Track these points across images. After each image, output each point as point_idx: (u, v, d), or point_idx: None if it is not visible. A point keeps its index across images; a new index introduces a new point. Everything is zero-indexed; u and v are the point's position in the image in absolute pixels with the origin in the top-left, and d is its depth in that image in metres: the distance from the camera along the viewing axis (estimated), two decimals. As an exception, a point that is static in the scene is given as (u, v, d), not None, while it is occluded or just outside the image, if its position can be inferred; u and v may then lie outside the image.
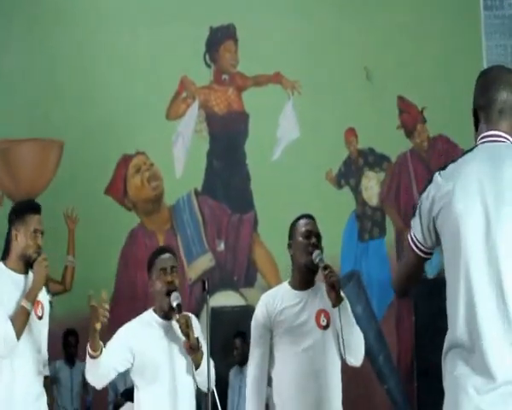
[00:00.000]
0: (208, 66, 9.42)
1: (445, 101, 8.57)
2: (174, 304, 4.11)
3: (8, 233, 4.31)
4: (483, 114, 2.75)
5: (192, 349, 4.07)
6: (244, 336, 7.56)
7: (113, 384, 7.82)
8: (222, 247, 8.88)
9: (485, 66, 8.67)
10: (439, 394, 6.35)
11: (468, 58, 8.69)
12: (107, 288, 8.79)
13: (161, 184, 9.20)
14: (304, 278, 4.25)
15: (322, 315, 4.15)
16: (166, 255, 4.30)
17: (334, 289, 4.03)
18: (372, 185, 8.69)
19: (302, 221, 4.30)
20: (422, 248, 2.72)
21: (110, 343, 4.21)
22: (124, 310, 8.72)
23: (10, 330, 4.06)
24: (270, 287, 8.58)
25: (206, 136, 9.28)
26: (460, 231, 2.54)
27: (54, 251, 8.58)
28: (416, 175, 8.61)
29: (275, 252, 8.68)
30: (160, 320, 4.22)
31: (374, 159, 8.73)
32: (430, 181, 2.65)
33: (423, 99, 8.72)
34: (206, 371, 4.08)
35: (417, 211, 2.68)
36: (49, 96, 9.55)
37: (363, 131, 8.76)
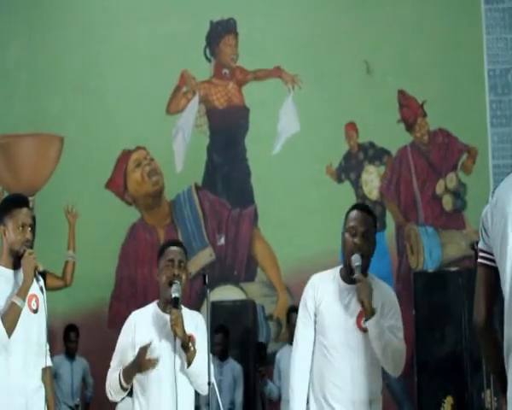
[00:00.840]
0: (208, 60, 9.41)
1: (446, 94, 8.56)
2: (172, 295, 4.10)
3: None
4: None
5: (182, 347, 4.07)
6: (226, 331, 7.58)
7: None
8: (222, 241, 8.88)
9: (485, 59, 8.66)
10: (439, 388, 6.37)
11: (468, 52, 8.68)
12: (108, 283, 8.87)
13: (161, 178, 9.20)
14: (348, 272, 4.00)
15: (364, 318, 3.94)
16: (177, 248, 4.30)
17: (362, 305, 3.87)
18: (372, 179, 8.68)
19: (352, 214, 4.03)
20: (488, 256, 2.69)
21: (115, 354, 4.23)
22: (124, 305, 8.75)
23: (0, 326, 4.06)
24: (270, 281, 8.72)
25: (207, 130, 9.27)
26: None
27: (54, 246, 8.67)
28: (416, 169, 8.60)
29: (275, 246, 8.68)
30: (161, 314, 4.22)
31: (374, 153, 8.72)
32: None
33: (423, 93, 8.70)
34: (197, 372, 4.09)
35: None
36: (49, 92, 9.55)
37: (364, 125, 8.74)
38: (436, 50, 8.71)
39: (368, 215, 4.06)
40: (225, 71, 9.37)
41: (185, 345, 4.05)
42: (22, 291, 4.15)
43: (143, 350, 4.05)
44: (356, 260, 3.87)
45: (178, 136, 9.26)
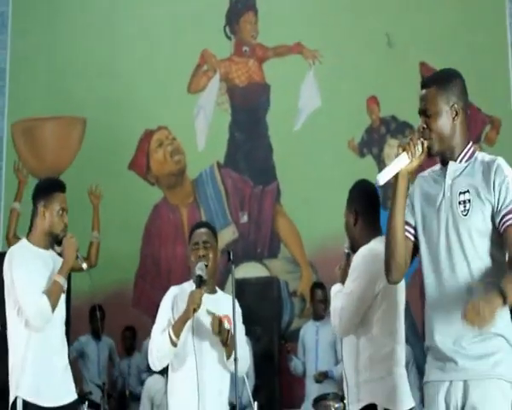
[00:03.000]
0: (229, 38, 9.39)
1: (468, 65, 8.41)
2: (196, 273, 4.15)
3: (34, 209, 4.35)
4: (467, 116, 3.10)
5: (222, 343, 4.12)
6: None
7: (145, 352, 7.89)
8: (245, 219, 8.89)
9: (508, 29, 8.54)
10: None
11: (491, 21, 8.56)
12: (132, 263, 8.93)
13: (184, 157, 9.21)
14: None
15: None
16: (201, 230, 4.37)
17: None
18: (395, 153, 8.62)
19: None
20: None
21: (160, 323, 4.22)
22: (148, 285, 8.80)
23: (46, 304, 4.13)
24: (293, 258, 8.71)
25: (228, 108, 9.26)
26: None
27: (79, 227, 8.70)
28: (438, 142, 8.54)
29: (298, 222, 8.66)
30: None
31: (396, 126, 8.65)
32: None
33: (446, 64, 8.53)
34: (239, 359, 4.12)
35: None
36: (71, 74, 9.59)
37: (385, 98, 8.67)
38: (457, 21, 8.60)
39: None
40: (245, 48, 9.35)
41: (223, 343, 4.10)
42: (64, 271, 4.26)
43: (196, 292, 4.09)
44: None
45: (200, 114, 9.27)
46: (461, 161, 3.12)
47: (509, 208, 2.93)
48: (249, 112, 9.19)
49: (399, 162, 3.12)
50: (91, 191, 9.12)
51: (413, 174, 3.20)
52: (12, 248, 4.41)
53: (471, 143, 3.13)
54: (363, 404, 3.89)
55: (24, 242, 4.38)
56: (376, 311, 3.92)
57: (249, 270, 8.53)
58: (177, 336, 4.07)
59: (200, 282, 4.14)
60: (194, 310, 4.08)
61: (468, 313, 2.68)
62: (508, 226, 2.90)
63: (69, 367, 4.37)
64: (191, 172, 9.16)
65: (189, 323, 4.12)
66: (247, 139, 9.11)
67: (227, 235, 8.79)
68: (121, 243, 8.87)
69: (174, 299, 4.25)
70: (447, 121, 3.08)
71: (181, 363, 4.16)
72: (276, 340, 8.03)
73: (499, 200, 2.96)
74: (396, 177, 3.18)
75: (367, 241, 4.03)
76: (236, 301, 4.29)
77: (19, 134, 9.69)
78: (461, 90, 3.14)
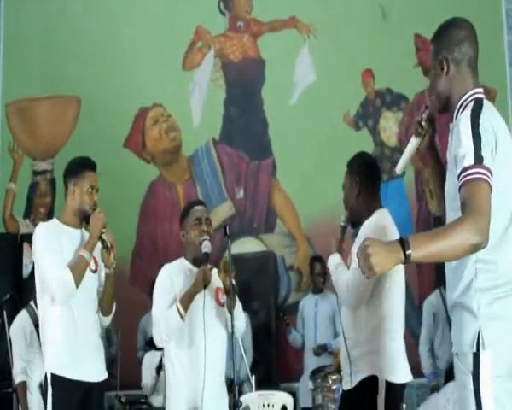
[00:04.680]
0: (223, 14, 9.35)
1: (462, 36, 8.43)
2: (203, 251, 4.16)
3: (65, 188, 4.38)
4: (466, 66, 2.88)
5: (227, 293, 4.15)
6: None
7: (142, 330, 7.92)
8: (241, 194, 8.88)
9: (503, 2, 8.50)
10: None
11: (485, -8, 8.53)
12: (129, 241, 8.93)
13: (179, 134, 9.20)
14: None
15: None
16: (202, 207, 4.40)
17: None
18: (390, 126, 8.61)
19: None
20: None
21: (162, 299, 4.23)
22: (145, 263, 8.81)
23: (69, 276, 4.15)
24: (290, 232, 8.72)
25: (223, 84, 9.23)
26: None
27: (74, 206, 8.71)
28: (434, 113, 8.51)
29: (294, 197, 8.66)
30: (192, 267, 4.26)
31: (391, 99, 8.63)
32: (478, 112, 2.70)
33: (440, 36, 8.57)
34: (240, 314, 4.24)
35: (480, 136, 2.63)
36: (65, 53, 9.56)
37: (380, 71, 8.64)
38: (452, -8, 8.56)
39: None
40: (240, 24, 9.30)
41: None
42: (89, 245, 4.28)
43: (206, 269, 4.13)
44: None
45: (195, 91, 9.24)
46: (456, 118, 2.85)
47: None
48: (244, 87, 9.17)
49: (411, 146, 3.08)
50: (87, 170, 9.12)
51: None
52: (38, 226, 4.40)
53: (467, 95, 2.85)
54: (363, 375, 3.93)
55: (53, 220, 4.41)
56: (383, 285, 3.93)
57: (246, 245, 8.54)
58: (186, 310, 4.10)
59: (206, 259, 4.17)
60: (205, 286, 4.10)
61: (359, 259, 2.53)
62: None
63: (102, 346, 4.40)
64: (187, 149, 9.14)
65: (195, 300, 4.14)
66: (243, 115, 9.08)
67: (223, 211, 8.80)
68: (117, 222, 8.78)
69: (170, 276, 4.26)
70: (439, 77, 2.91)
71: (186, 338, 4.17)
72: (274, 314, 8.06)
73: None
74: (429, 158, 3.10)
75: (369, 213, 4.04)
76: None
77: (13, 114, 9.67)
78: (452, 40, 2.90)
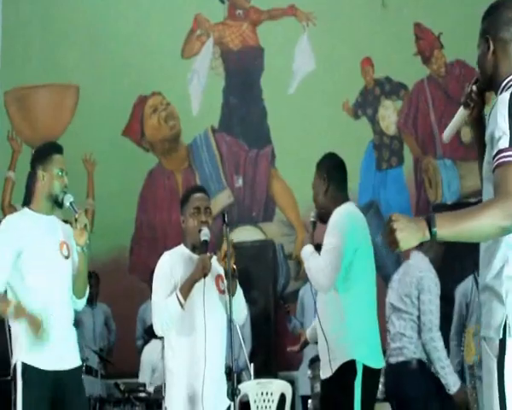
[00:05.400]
0: (222, 2, 9.34)
1: (462, 25, 8.39)
2: (202, 239, 4.14)
3: (33, 175, 4.32)
4: (509, 48, 2.78)
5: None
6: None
7: (141, 319, 7.94)
8: (240, 183, 8.88)
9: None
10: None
11: (484, -21, 8.49)
12: (128, 229, 8.94)
13: (178, 123, 9.19)
14: None
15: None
16: (202, 195, 4.36)
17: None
18: (389, 114, 8.59)
19: None
20: None
21: (162, 287, 4.21)
22: (144, 251, 8.81)
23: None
24: (288, 221, 8.72)
25: (222, 72, 9.22)
26: None
27: (73, 195, 8.72)
28: (433, 102, 8.48)
29: (293, 185, 8.65)
30: (192, 255, 4.26)
31: (391, 87, 8.61)
32: None
33: (440, 24, 8.54)
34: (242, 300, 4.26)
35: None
36: (64, 41, 9.55)
37: (379, 59, 8.62)
38: (451, -21, 8.54)
39: None
40: (239, 12, 9.28)
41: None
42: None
43: (206, 257, 4.12)
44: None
45: (194, 79, 9.23)
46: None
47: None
48: (243, 76, 9.15)
49: (458, 117, 3.04)
50: (86, 159, 9.15)
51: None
52: (6, 217, 4.38)
53: (510, 77, 2.77)
54: (342, 361, 4.03)
55: (24, 210, 4.35)
56: (358, 268, 4.09)
57: (245, 233, 8.55)
58: (185, 298, 4.08)
59: (205, 247, 4.16)
60: (205, 275, 4.10)
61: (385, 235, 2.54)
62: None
63: (74, 333, 4.36)
64: (186, 138, 9.14)
65: (195, 288, 4.14)
66: (242, 103, 9.07)
67: (222, 199, 8.80)
68: (117, 210, 8.88)
69: (170, 264, 4.25)
70: (484, 55, 2.84)
71: (187, 326, 4.16)
72: (272, 303, 8.07)
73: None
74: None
75: (338, 206, 4.21)
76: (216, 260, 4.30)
77: (12, 103, 9.66)
78: (500, 19, 2.80)
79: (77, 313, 7.84)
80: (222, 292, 4.25)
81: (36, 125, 9.55)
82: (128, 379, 7.29)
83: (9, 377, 4.16)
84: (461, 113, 3.05)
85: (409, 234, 2.48)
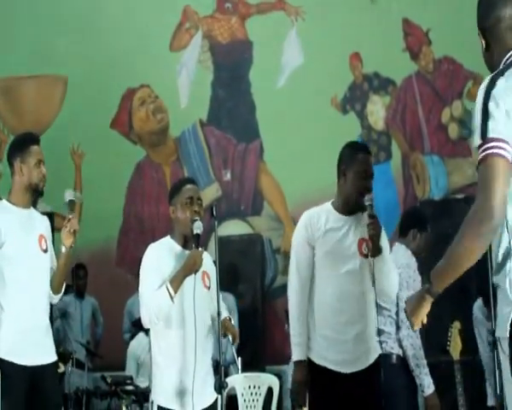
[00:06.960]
0: (211, -5, 9.33)
1: (450, 21, 8.42)
2: (194, 232, 4.09)
3: (10, 168, 4.30)
4: (496, 33, 2.64)
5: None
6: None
7: (128, 312, 7.93)
8: (228, 177, 8.89)
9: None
10: (446, 313, 6.39)
11: (473, -24, 8.51)
12: (115, 222, 8.93)
13: (166, 115, 9.18)
14: (350, 207, 4.32)
15: (364, 244, 4.23)
16: (193, 186, 4.32)
17: (372, 242, 4.15)
18: (377, 109, 8.62)
19: (361, 156, 4.30)
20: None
21: (151, 279, 4.17)
22: (131, 243, 8.81)
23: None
24: (276, 215, 8.73)
25: (210, 66, 9.22)
26: None
27: (60, 187, 8.70)
28: (421, 98, 8.51)
29: (281, 180, 8.67)
30: (179, 248, 4.22)
31: (379, 83, 8.63)
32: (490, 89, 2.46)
33: (428, 20, 8.57)
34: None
35: (493, 108, 2.42)
36: (52, 32, 9.50)
37: (368, 55, 8.64)
38: (440, -24, 8.57)
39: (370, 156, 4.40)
40: (228, 5, 9.27)
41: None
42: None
43: (198, 253, 4.09)
44: (369, 199, 4.19)
45: (182, 72, 9.22)
46: None
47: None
48: (232, 69, 9.15)
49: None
50: (73, 151, 9.12)
51: None
52: None
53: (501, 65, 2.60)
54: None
55: (2, 202, 4.30)
56: (319, 270, 4.29)
57: (232, 227, 8.55)
58: (176, 291, 4.04)
59: (198, 241, 4.10)
60: (196, 270, 4.08)
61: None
62: None
63: (50, 328, 4.34)
64: (174, 131, 9.13)
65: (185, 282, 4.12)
66: (230, 97, 9.07)
67: (210, 193, 8.80)
68: (104, 202, 8.86)
69: (158, 256, 4.23)
70: (482, 52, 2.73)
71: (177, 320, 4.12)
72: (260, 297, 8.08)
73: None
74: None
75: None
76: (208, 255, 4.29)
77: (-1, 93, 9.62)
78: (481, 10, 2.69)
79: (65, 305, 7.89)
80: (207, 288, 4.25)
81: (23, 117, 9.50)
82: (115, 372, 7.29)
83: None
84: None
85: (416, 310, 2.65)
